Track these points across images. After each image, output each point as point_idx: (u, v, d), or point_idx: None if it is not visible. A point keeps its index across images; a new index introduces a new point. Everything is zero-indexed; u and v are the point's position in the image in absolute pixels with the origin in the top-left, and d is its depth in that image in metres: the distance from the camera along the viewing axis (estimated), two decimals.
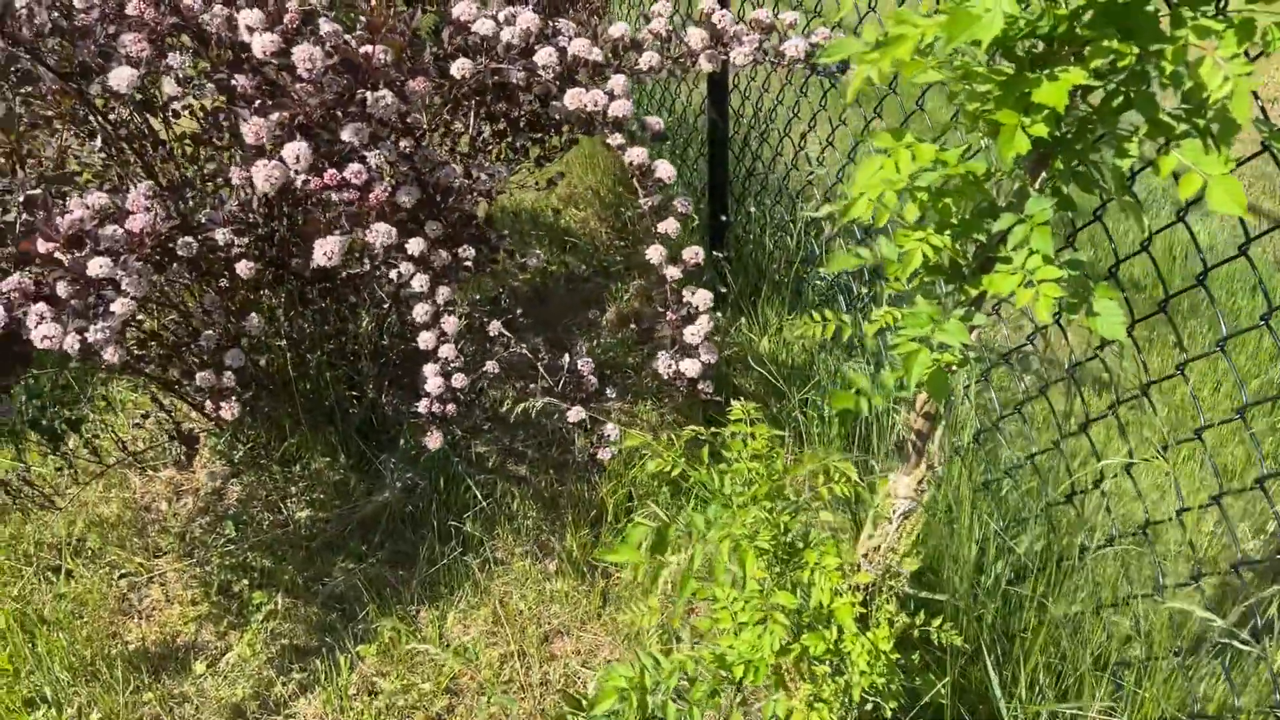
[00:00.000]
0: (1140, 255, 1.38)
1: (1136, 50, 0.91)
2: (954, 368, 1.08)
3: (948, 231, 1.05)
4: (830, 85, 1.90)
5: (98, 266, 1.46)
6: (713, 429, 1.48)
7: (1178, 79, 0.92)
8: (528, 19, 1.73)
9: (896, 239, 1.08)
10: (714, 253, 2.55)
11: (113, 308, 1.47)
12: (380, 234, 1.53)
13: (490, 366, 2.03)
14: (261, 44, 1.41)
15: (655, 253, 1.74)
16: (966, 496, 1.61)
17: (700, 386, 1.77)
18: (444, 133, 2.16)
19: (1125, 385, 2.29)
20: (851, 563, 1.32)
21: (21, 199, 1.67)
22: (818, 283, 2.38)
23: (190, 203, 1.84)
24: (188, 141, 2.11)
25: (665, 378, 1.76)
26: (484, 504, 2.25)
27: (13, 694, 1.94)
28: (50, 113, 1.91)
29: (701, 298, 1.74)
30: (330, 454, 2.39)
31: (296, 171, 1.46)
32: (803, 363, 2.35)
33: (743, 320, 2.58)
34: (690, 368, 1.73)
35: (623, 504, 2.23)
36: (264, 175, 1.45)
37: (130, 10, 1.43)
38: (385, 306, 2.31)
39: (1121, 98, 0.95)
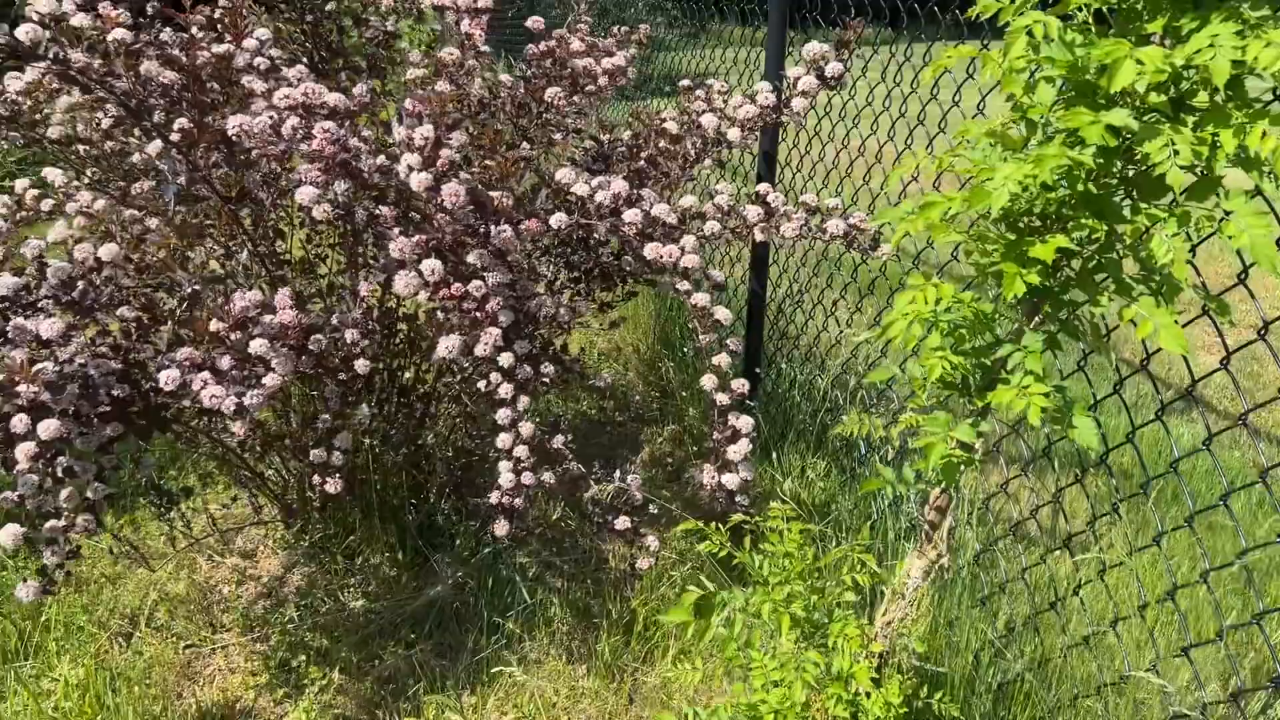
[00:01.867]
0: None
1: (1105, 227, 1.25)
2: (962, 464, 1.36)
3: (961, 357, 1.36)
4: (862, 260, 2.25)
5: (259, 345, 1.77)
6: (750, 528, 1.74)
7: (1136, 251, 1.26)
8: (619, 186, 2.11)
9: (922, 359, 1.39)
10: (747, 402, 2.86)
11: (264, 380, 1.77)
12: (491, 337, 1.84)
13: (547, 476, 2.30)
14: (418, 180, 1.77)
15: (708, 380, 2.05)
16: (965, 610, 1.85)
17: (738, 500, 2.04)
18: (529, 275, 2.51)
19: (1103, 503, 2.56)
20: (869, 635, 1.56)
21: (187, 292, 2.02)
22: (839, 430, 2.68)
23: (313, 311, 2.17)
24: (317, 255, 2.48)
25: (708, 488, 2.03)
26: (528, 604, 2.47)
27: None
28: (210, 223, 2.27)
29: (745, 422, 2.03)
30: (389, 550, 2.63)
31: (430, 283, 1.80)
32: (823, 501, 2.61)
33: (772, 459, 2.86)
34: (731, 480, 2.01)
35: (653, 615, 2.45)
36: (404, 283, 1.78)
37: (315, 145, 1.79)
38: (457, 420, 2.61)
39: (1095, 261, 1.28)
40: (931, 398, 1.46)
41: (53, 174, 2.50)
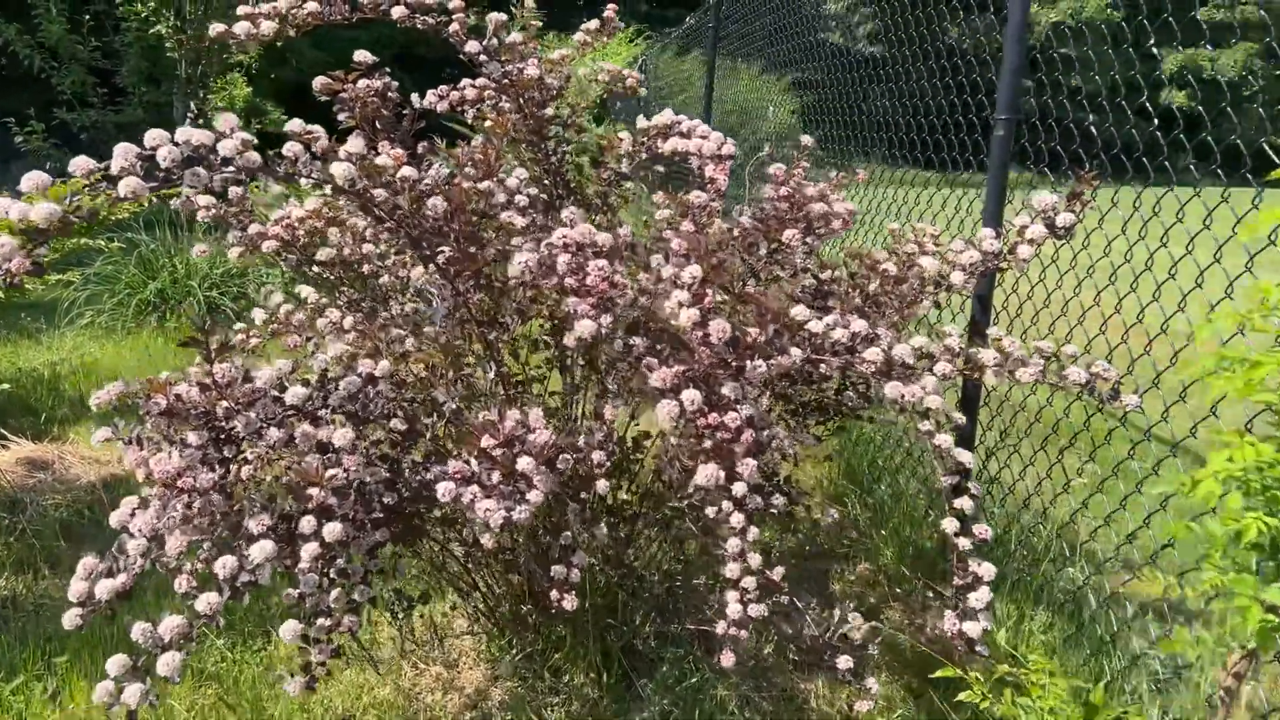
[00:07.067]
0: None
1: None
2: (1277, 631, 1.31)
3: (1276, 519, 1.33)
4: (1097, 408, 2.22)
5: (525, 463, 1.86)
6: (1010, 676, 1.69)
7: None
8: (859, 324, 2.16)
9: (1224, 520, 1.36)
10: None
11: (529, 496, 1.85)
12: (748, 468, 1.89)
13: (762, 609, 2.30)
14: (688, 315, 1.86)
15: (949, 524, 2.03)
16: None
17: (978, 649, 1.99)
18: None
19: None
20: None
21: (448, 409, 2.14)
22: (1063, 584, 2.59)
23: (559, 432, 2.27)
24: (538, 378, 2.60)
25: (949, 634, 1.99)
26: None
27: None
28: (468, 346, 2.42)
29: (986, 569, 2.00)
30: (594, 670, 2.65)
31: (689, 412, 1.86)
32: (1046, 656, 2.52)
33: None
34: (972, 629, 1.97)
35: None
36: (665, 412, 1.85)
37: (590, 281, 1.91)
38: (662, 543, 2.65)
39: None
40: (1229, 560, 1.42)
41: (307, 291, 2.73)
